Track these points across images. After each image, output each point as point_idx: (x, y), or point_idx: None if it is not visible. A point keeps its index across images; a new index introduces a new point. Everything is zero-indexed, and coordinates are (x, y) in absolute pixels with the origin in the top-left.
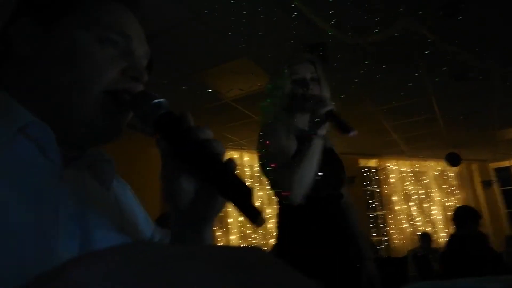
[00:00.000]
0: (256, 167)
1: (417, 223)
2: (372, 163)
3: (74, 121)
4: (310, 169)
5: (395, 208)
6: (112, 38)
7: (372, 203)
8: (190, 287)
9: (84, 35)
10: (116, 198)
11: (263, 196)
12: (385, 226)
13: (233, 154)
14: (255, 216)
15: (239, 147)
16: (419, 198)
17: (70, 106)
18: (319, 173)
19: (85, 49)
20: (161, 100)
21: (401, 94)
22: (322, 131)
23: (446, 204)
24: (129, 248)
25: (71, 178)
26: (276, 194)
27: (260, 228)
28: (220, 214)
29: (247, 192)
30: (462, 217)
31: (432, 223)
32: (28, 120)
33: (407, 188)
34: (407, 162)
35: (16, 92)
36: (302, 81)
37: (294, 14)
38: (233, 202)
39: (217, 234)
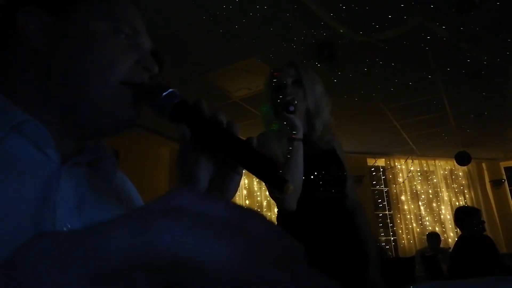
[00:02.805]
0: None
1: (425, 223)
2: (381, 162)
3: (91, 111)
4: (296, 173)
5: (404, 207)
6: (125, 31)
7: (380, 203)
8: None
9: (100, 25)
10: (117, 192)
11: (269, 196)
12: (393, 226)
13: None
14: (281, 185)
15: None
16: (428, 197)
17: (87, 96)
18: (317, 175)
19: (102, 39)
20: (174, 89)
21: (412, 92)
22: (299, 133)
23: (455, 203)
24: (79, 230)
25: (70, 174)
26: (274, 199)
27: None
28: None
29: (272, 163)
30: (461, 219)
31: (441, 223)
32: (21, 119)
33: (415, 187)
34: (416, 161)
35: (19, 86)
36: (279, 86)
37: (303, 13)
38: (259, 174)
39: None
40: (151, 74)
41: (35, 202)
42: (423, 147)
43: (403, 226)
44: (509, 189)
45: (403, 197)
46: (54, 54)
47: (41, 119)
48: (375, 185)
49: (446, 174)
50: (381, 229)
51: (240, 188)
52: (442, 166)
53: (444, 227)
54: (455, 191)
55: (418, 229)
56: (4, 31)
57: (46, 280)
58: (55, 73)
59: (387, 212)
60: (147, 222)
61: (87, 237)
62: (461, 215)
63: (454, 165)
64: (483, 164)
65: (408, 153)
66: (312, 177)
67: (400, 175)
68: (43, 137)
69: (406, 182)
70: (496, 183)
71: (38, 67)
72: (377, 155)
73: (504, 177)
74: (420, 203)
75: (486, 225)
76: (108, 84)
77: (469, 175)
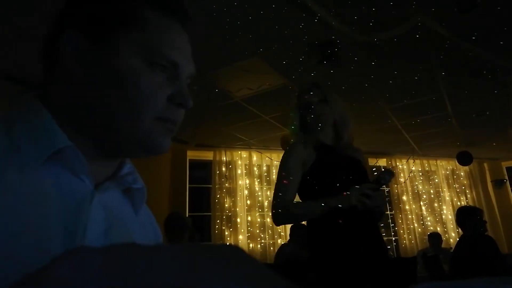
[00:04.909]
0: (265, 167)
1: (427, 223)
2: (382, 162)
3: (122, 141)
4: (304, 218)
5: (405, 207)
6: (160, 63)
7: None
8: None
9: (135, 58)
10: (141, 223)
11: (270, 196)
12: (394, 226)
13: (242, 154)
14: None
15: (248, 146)
16: (430, 197)
17: (118, 128)
18: (343, 183)
19: (136, 74)
20: None
21: (413, 92)
22: (333, 204)
23: (457, 203)
24: (114, 248)
25: (101, 200)
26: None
27: (268, 228)
28: (229, 214)
29: None
30: (463, 219)
31: (443, 223)
32: (64, 144)
33: (417, 187)
34: (417, 161)
35: (59, 109)
36: (306, 104)
37: (305, 13)
38: None
39: (225, 234)
40: (185, 108)
41: (66, 226)
42: (424, 147)
43: (404, 226)
44: (511, 189)
45: (404, 197)
46: (88, 82)
47: (76, 142)
48: None
49: (447, 174)
50: (383, 229)
51: (241, 188)
52: (444, 166)
53: (445, 227)
54: (456, 191)
55: (419, 229)
56: (49, 53)
57: None
58: (87, 102)
59: (388, 212)
60: (195, 265)
61: (127, 265)
62: (463, 215)
63: (455, 165)
64: (485, 164)
65: (410, 153)
66: (338, 184)
67: (402, 175)
68: (80, 164)
69: (408, 182)
70: (498, 183)
71: (73, 93)
72: (378, 155)
73: (506, 177)
74: (421, 203)
75: (488, 225)
76: (140, 121)
77: (470, 175)
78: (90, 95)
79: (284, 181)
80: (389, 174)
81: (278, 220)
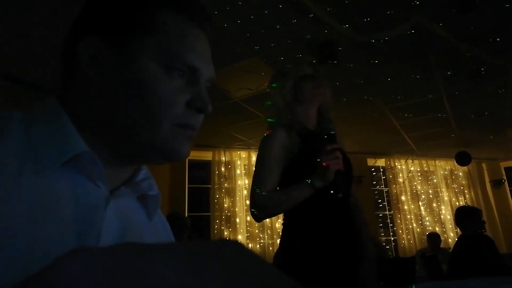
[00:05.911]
0: None
1: (426, 223)
2: (381, 162)
3: (140, 147)
4: (288, 207)
5: (404, 207)
6: (178, 68)
7: (380, 203)
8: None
9: (153, 63)
10: (155, 230)
11: None
12: (393, 226)
13: (241, 154)
14: None
15: (247, 146)
16: (428, 197)
17: (136, 135)
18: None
19: (154, 80)
20: None
21: (412, 92)
22: (320, 183)
23: (456, 203)
24: (116, 247)
25: (116, 206)
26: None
27: (267, 228)
28: (228, 214)
29: None
30: (462, 219)
31: (441, 223)
32: (81, 150)
33: (416, 187)
34: (416, 162)
35: (78, 114)
36: (310, 76)
37: (304, 13)
38: None
39: (224, 233)
40: (204, 113)
41: (80, 231)
42: (423, 147)
43: (403, 226)
44: (509, 189)
45: (403, 197)
46: (106, 87)
47: (93, 147)
48: (375, 185)
49: (446, 174)
50: (381, 229)
51: (240, 188)
52: (442, 166)
53: (444, 227)
54: (455, 191)
55: (418, 229)
56: (67, 58)
57: None
58: (105, 107)
59: (387, 212)
60: (198, 264)
61: (129, 265)
62: (462, 215)
63: (454, 165)
64: (483, 164)
65: (408, 153)
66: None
67: (400, 175)
68: (96, 170)
69: (406, 182)
70: (496, 183)
71: (91, 98)
72: (377, 155)
73: (504, 177)
74: (420, 203)
75: (486, 225)
76: (158, 127)
77: (469, 175)
78: (107, 100)
79: (261, 174)
80: (329, 122)
81: (258, 217)
